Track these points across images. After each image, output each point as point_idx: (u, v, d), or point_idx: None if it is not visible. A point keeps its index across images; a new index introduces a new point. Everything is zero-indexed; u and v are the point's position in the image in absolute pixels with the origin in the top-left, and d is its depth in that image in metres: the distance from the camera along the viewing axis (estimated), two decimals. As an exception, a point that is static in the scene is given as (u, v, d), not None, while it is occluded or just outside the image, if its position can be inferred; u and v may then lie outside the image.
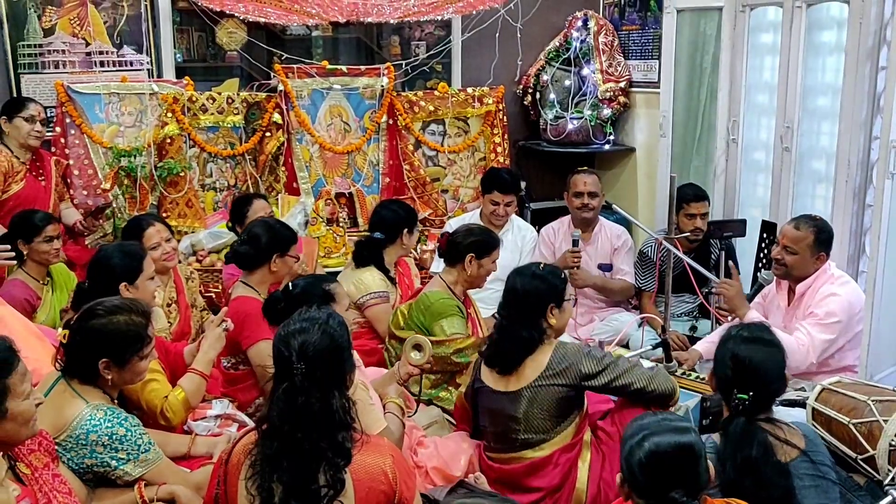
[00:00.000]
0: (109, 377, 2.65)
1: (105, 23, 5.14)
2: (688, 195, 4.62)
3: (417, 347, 3.30)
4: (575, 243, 4.71)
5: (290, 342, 2.27)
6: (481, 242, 3.89)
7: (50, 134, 4.90)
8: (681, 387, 3.58)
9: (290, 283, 3.18)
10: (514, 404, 2.99)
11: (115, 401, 2.72)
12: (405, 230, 4.41)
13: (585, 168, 5.05)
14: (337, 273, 4.73)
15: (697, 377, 3.72)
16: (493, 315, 3.29)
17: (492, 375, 3.08)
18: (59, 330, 2.71)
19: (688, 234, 4.57)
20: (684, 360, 3.88)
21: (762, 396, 2.49)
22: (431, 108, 5.68)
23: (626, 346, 4.40)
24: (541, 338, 3.01)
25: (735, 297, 3.83)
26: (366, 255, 4.31)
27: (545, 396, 2.95)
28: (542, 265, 3.15)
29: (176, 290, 4.03)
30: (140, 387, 3.02)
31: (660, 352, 3.81)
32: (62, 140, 4.99)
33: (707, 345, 4.00)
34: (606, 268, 4.92)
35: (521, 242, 5.12)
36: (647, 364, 3.85)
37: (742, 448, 2.41)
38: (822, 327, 3.59)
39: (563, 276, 3.13)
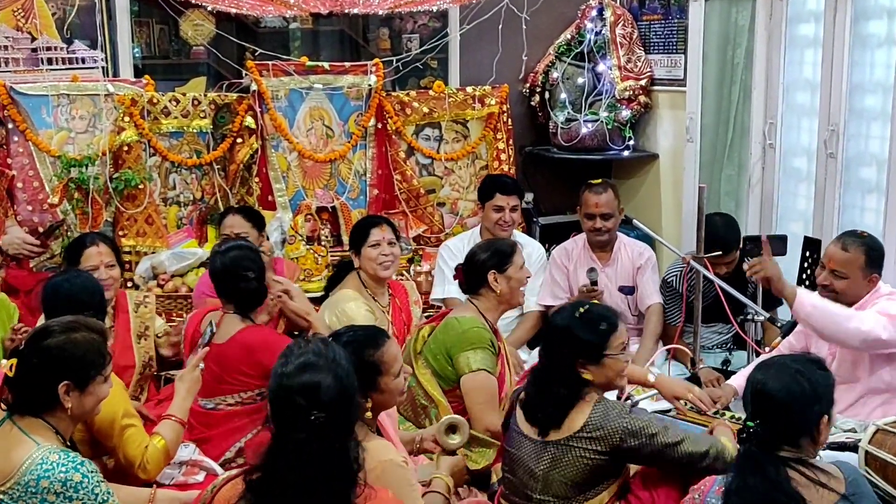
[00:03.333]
0: (69, 404, 2.66)
1: (54, 15, 5.14)
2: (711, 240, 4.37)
3: (452, 429, 3.29)
4: (593, 282, 4.66)
5: (296, 382, 2.27)
6: (495, 254, 3.90)
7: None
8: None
9: None
10: (537, 458, 2.99)
11: (69, 444, 2.73)
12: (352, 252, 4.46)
13: (600, 181, 4.99)
14: (314, 298, 4.76)
15: (732, 417, 3.72)
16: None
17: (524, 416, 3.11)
18: (4, 361, 2.71)
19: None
20: (717, 398, 3.86)
21: (777, 427, 2.50)
22: (426, 109, 5.69)
23: (651, 382, 4.40)
24: (578, 395, 3.00)
25: (777, 275, 3.69)
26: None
27: (572, 460, 2.94)
28: (584, 307, 3.06)
29: (113, 315, 4.08)
30: (118, 432, 3.09)
31: (689, 388, 3.81)
32: (4, 148, 4.98)
33: (742, 379, 3.98)
34: (628, 290, 4.93)
35: (527, 262, 5.11)
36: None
37: (743, 477, 2.46)
38: (889, 318, 3.52)
39: (603, 326, 3.02)
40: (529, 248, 5.20)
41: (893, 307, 3.56)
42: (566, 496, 2.96)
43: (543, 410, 3.01)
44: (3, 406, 2.70)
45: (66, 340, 2.70)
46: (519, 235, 5.25)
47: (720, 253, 4.45)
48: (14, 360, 2.66)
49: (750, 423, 2.51)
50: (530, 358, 4.57)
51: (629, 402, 3.67)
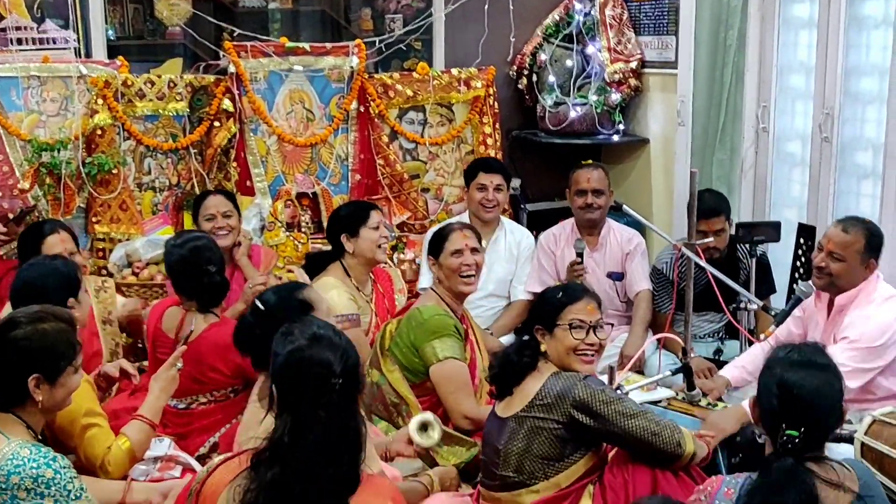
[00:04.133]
0: (40, 398, 2.64)
1: (23, -8, 5.09)
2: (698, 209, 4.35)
3: (424, 427, 3.30)
4: (580, 255, 4.71)
5: (312, 354, 2.30)
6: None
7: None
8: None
9: (257, 302, 3.16)
10: (500, 433, 3.09)
11: (40, 438, 2.71)
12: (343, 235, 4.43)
13: (590, 162, 5.04)
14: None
15: (725, 409, 3.70)
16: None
17: None
18: None
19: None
20: (710, 389, 3.87)
21: (814, 432, 2.44)
22: (410, 92, 5.66)
23: (641, 373, 4.39)
24: (534, 364, 3.13)
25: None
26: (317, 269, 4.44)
27: (528, 432, 3.02)
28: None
29: None
30: (80, 431, 3.07)
31: (680, 379, 3.79)
32: (-28, 132, 4.94)
33: (735, 370, 4.00)
34: (617, 276, 4.92)
35: (516, 250, 5.14)
36: (665, 392, 3.89)
37: (781, 493, 2.38)
38: (854, 352, 3.58)
39: (560, 295, 3.20)
40: (520, 235, 5.21)
41: (868, 329, 3.59)
42: (530, 471, 3.02)
43: (501, 376, 3.16)
44: None
45: (34, 331, 2.68)
46: (506, 222, 5.25)
47: (711, 240, 4.43)
48: None
49: (794, 433, 2.40)
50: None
51: (619, 391, 3.66)
